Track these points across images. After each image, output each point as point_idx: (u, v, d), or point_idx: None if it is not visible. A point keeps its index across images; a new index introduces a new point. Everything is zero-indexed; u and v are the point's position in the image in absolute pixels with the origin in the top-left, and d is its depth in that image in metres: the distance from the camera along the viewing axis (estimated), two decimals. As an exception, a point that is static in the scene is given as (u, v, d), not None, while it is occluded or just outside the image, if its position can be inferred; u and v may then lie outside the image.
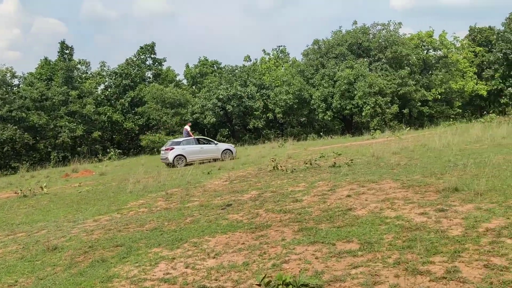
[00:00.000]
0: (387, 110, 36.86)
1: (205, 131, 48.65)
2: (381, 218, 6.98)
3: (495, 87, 42.21)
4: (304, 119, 41.58)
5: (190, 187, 13.39)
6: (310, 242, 6.05)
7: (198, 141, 23.61)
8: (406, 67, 38.60)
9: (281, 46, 54.32)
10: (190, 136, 25.06)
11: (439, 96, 40.96)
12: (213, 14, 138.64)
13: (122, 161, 34.29)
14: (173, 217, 9.01)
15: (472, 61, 44.35)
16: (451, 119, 40.34)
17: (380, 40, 39.51)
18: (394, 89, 37.47)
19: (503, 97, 43.01)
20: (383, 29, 40.56)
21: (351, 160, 15.19)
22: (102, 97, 42.84)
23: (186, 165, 21.73)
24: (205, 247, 6.47)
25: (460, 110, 46.27)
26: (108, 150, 37.80)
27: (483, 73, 40.67)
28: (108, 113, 41.05)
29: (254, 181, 13.18)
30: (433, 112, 43.31)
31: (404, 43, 39.52)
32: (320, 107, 37.69)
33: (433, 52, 43.39)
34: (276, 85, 41.27)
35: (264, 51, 53.55)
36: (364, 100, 35.74)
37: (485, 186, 8.39)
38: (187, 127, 26.63)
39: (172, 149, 22.39)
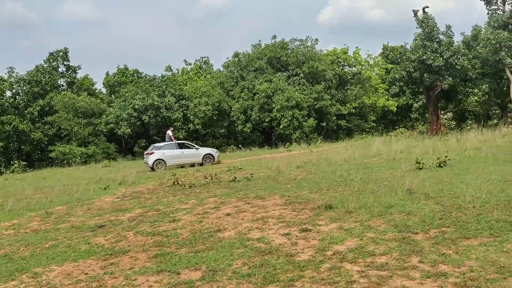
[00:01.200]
0: (304, 123, 37.66)
1: (122, 142, 46.99)
2: (244, 240, 6.76)
3: (406, 102, 44.87)
4: (224, 130, 41.36)
5: (76, 205, 12.46)
6: (157, 271, 5.65)
7: (180, 146, 23.75)
8: (322, 82, 39.82)
9: (204, 57, 54.08)
10: (172, 140, 25.11)
11: (354, 111, 42.68)
12: (143, 22, 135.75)
13: (26, 174, 31.86)
14: (34, 241, 8.19)
15: (385, 78, 46.85)
16: (365, 133, 42.24)
17: (298, 55, 40.47)
18: (311, 103, 38.42)
19: (413, 112, 45.81)
20: (301, 45, 41.62)
21: (251, 174, 15.08)
22: (6, 105, 39.65)
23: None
24: (42, 279, 5.82)
25: (375, 124, 48.56)
26: (12, 162, 35.01)
27: (389, 89, 42.98)
28: (13, 123, 38.08)
29: (145, 198, 12.56)
30: (351, 125, 45.02)
31: (320, 59, 40.82)
32: (240, 119, 37.73)
33: (349, 68, 45.26)
34: (196, 96, 40.77)
35: (185, 61, 52.96)
36: (282, 113, 36.28)
37: (357, 204, 8.52)
38: (169, 132, 26.52)
39: (152, 153, 22.60)
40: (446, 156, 13.27)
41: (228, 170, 17.76)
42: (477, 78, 27.68)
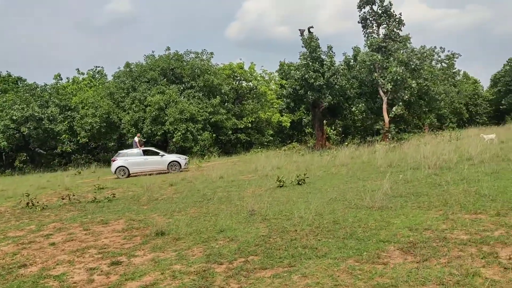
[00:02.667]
0: (199, 136, 37.23)
1: (3, 156, 42.76)
2: (41, 277, 6.06)
3: (300, 117, 46.54)
4: (113, 144, 39.38)
5: None
6: None
7: (145, 153, 22.98)
8: (218, 96, 39.77)
9: (99, 67, 51.44)
10: (138, 147, 24.34)
11: (250, 125, 43.17)
12: (42, 27, 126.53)
13: None
14: None
15: (280, 94, 48.09)
16: (261, 147, 42.91)
17: (193, 68, 40.05)
18: (206, 116, 38.13)
19: (307, 127, 47.66)
20: (196, 58, 41.28)
21: (113, 194, 14.25)
22: None
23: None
24: None
25: (272, 138, 49.65)
26: None
27: (277, 105, 44.17)
28: None
29: (-21, 224, 11.12)
30: (251, 139, 45.45)
31: (216, 73, 40.80)
32: (130, 132, 36.17)
33: (246, 83, 45.81)
34: (83, 107, 38.42)
35: (78, 70, 49.89)
36: (175, 126, 35.49)
37: (191, 229, 8.21)
38: (136, 138, 26.05)
39: (114, 160, 22.11)
40: (305, 174, 13.59)
41: (99, 189, 16.72)
42: (355, 97, 29.41)
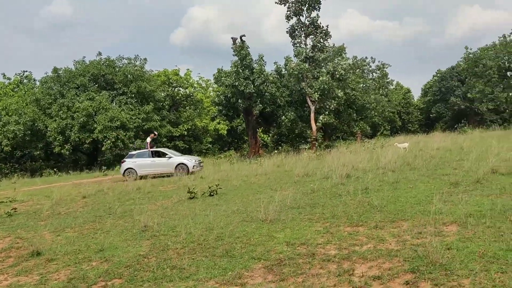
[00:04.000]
0: (131, 144, 36.13)
1: None
2: None
3: (238, 125, 46.50)
4: (38, 152, 37.32)
5: None
6: None
7: (154, 154, 21.98)
8: (151, 103, 38.87)
9: (26, 71, 48.76)
10: (148, 148, 23.16)
11: (186, 132, 42.52)
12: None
13: None
14: None
15: (213, 101, 47.68)
16: (198, 155, 42.37)
17: (126, 74, 38.91)
18: (138, 123, 37.12)
19: (244, 135, 47.72)
20: (129, 63, 40.17)
21: (14, 209, 13.30)
22: None
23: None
24: None
25: (211, 146, 49.22)
26: None
27: (210, 112, 43.91)
28: None
29: None
30: (190, 147, 44.68)
31: (149, 79, 39.91)
32: (58, 140, 34.46)
33: (182, 90, 45.17)
34: (6, 114, 36.16)
35: (4, 75, 46.96)
36: (105, 134, 34.22)
37: (71, 248, 7.71)
38: (148, 139, 24.45)
39: (123, 162, 21.65)
40: (217, 185, 13.34)
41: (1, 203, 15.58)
42: (285, 105, 29.72)
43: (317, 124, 27.65)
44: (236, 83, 26.69)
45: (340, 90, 27.35)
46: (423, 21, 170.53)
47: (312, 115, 27.13)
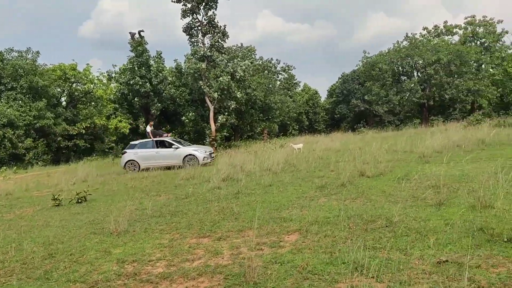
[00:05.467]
0: (20, 144, 33.18)
1: None
2: None
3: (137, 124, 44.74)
4: None
5: None
6: None
7: (158, 144, 19.98)
8: (44, 99, 36.00)
9: None
10: (149, 137, 20.62)
11: (84, 131, 39.99)
12: None
13: None
14: None
15: (108, 98, 45.34)
16: (97, 155, 40.05)
17: (16, 68, 35.61)
18: (29, 121, 34.18)
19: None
20: (19, 56, 36.85)
21: None
22: None
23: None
24: None
25: (114, 145, 46.81)
26: None
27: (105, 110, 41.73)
28: None
29: None
30: (93, 146, 42.03)
31: (42, 74, 36.93)
32: None
33: (81, 86, 42.37)
34: None
35: None
36: (-12, 133, 31.02)
37: None
38: (148, 127, 21.46)
39: (124, 153, 19.95)
40: (86, 191, 12.36)
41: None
42: (185, 104, 29.03)
43: (216, 124, 27.30)
44: (131, 82, 25.44)
45: (239, 91, 27.23)
46: (333, 25, 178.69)
47: (211, 114, 26.70)
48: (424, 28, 50.72)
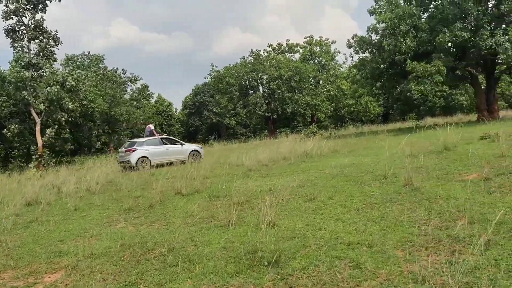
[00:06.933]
0: None
1: None
2: None
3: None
4: None
5: None
6: None
7: (163, 142, 21.29)
8: None
9: None
10: (154, 135, 21.87)
11: None
12: None
13: None
14: None
15: None
16: None
17: None
18: None
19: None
20: None
21: None
22: None
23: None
24: None
25: None
26: None
27: None
28: None
29: None
30: None
31: None
32: None
33: None
34: None
35: None
36: None
37: None
38: (151, 126, 23.07)
39: (134, 150, 20.10)
40: None
41: None
42: (7, 116, 25.69)
43: (43, 138, 24.52)
44: None
45: (71, 102, 24.97)
46: (191, 37, 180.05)
47: (37, 128, 23.89)
48: (269, 45, 53.71)
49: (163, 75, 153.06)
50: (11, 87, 23.71)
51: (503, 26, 26.86)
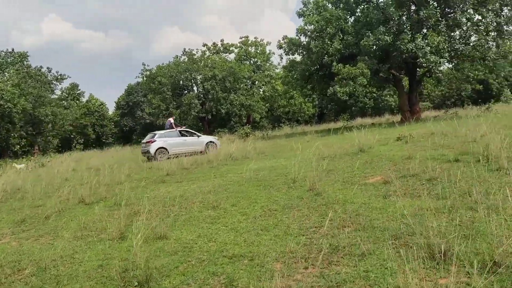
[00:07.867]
0: None
1: None
2: None
3: None
4: None
5: None
6: None
7: (181, 134, 22.54)
8: None
9: None
10: (173, 128, 23.32)
11: None
12: None
13: None
14: None
15: None
16: None
17: None
18: None
19: None
20: None
21: None
22: None
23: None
24: None
25: None
26: None
27: None
28: None
29: None
30: None
31: None
32: None
33: None
34: None
35: None
36: None
37: None
38: (171, 119, 24.65)
39: (153, 141, 21.51)
40: None
41: None
42: None
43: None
44: None
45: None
46: (129, 35, 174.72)
47: None
48: (204, 45, 53.03)
49: (99, 75, 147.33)
50: None
51: (424, 31, 28.16)
